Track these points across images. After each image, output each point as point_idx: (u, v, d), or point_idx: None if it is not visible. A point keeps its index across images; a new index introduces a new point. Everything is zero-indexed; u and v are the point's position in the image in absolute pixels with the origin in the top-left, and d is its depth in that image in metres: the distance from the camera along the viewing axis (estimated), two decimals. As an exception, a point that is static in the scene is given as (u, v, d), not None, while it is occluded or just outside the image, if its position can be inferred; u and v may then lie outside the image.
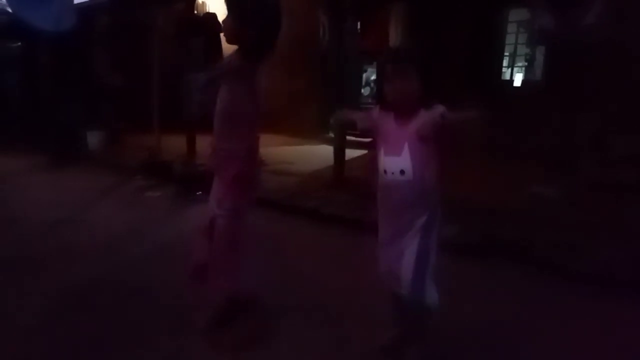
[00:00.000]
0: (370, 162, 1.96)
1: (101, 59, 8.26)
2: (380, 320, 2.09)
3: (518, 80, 7.21)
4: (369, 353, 2.05)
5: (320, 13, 7.40)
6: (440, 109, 1.70)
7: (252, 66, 1.95)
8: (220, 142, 2.02)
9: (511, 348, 2.14)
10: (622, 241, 3.20)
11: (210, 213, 2.08)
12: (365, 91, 8.94)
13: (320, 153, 6.41)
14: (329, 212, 4.09)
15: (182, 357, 2.06)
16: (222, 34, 2.05)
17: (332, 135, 5.94)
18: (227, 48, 2.05)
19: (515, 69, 7.22)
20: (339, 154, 4.93)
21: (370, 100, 8.44)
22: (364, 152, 6.35)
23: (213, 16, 5.66)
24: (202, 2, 7.95)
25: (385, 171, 1.82)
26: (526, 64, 7.46)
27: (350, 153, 5.40)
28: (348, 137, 5.17)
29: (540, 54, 6.81)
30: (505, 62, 7.03)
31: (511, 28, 6.86)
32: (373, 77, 8.79)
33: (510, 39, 6.91)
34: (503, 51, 6.89)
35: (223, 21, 1.95)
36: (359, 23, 7.37)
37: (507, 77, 7.10)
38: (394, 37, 6.73)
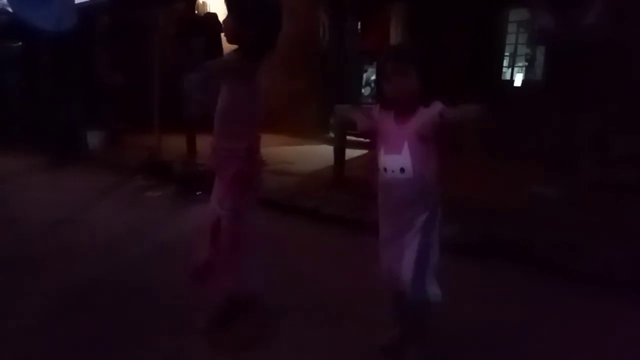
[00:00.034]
0: (370, 162, 1.96)
1: (101, 59, 8.26)
2: (380, 320, 2.09)
3: (518, 80, 7.21)
4: (369, 353, 2.05)
5: (321, 13, 7.40)
6: (438, 106, 1.70)
7: (252, 66, 1.95)
8: (221, 141, 2.01)
9: (511, 348, 2.14)
10: (622, 241, 3.20)
11: (212, 213, 2.08)
12: (366, 91, 8.94)
13: (320, 153, 6.41)
14: (329, 212, 4.09)
15: (182, 357, 2.06)
16: (222, 34, 2.05)
17: (332, 135, 5.95)
18: (228, 48, 2.04)
19: (515, 69, 7.22)
20: (339, 153, 4.93)
21: (370, 100, 8.45)
22: (364, 152, 6.35)
23: (214, 16, 5.65)
24: (203, 2, 7.95)
25: (385, 169, 1.82)
26: (526, 64, 7.46)
27: (351, 153, 5.41)
28: (348, 137, 5.17)
29: (540, 54, 6.81)
30: (505, 62, 7.03)
31: (511, 28, 6.86)
32: (373, 77, 8.80)
33: (510, 39, 6.91)
34: (503, 51, 6.89)
35: (223, 21, 1.95)
36: (359, 23, 7.37)
37: (508, 77, 7.10)
38: (394, 37, 6.73)
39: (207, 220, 2.12)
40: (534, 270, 2.96)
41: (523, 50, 7.17)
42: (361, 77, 8.70)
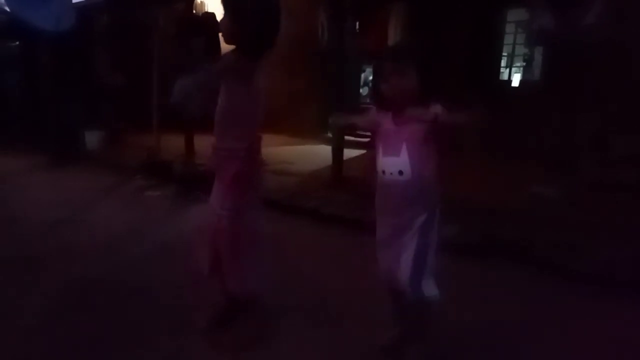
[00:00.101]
0: (369, 162, 1.96)
1: (101, 59, 8.26)
2: (380, 320, 2.09)
3: (516, 81, 7.22)
4: (369, 353, 2.05)
5: (320, 13, 7.40)
6: (435, 109, 1.68)
7: (251, 65, 1.94)
8: (221, 142, 2.01)
9: (511, 348, 2.14)
10: (622, 241, 3.20)
11: (212, 214, 2.07)
12: (364, 91, 8.94)
13: (320, 153, 6.41)
14: (329, 212, 4.09)
15: (182, 357, 2.06)
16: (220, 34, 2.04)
17: (330, 135, 5.94)
18: (226, 48, 2.04)
19: (513, 69, 7.23)
20: (337, 153, 4.93)
21: (369, 100, 8.45)
22: (363, 152, 6.36)
23: (212, 15, 5.66)
24: (201, 2, 7.95)
25: (383, 172, 1.81)
26: (524, 64, 7.47)
27: (350, 153, 5.41)
28: (347, 137, 5.17)
29: (538, 54, 6.81)
30: (503, 62, 7.04)
31: (509, 28, 6.86)
32: (371, 77, 8.80)
33: (508, 39, 6.92)
34: (502, 51, 6.90)
35: (220, 21, 1.94)
36: (358, 23, 7.38)
37: (505, 77, 7.11)
38: (393, 37, 6.73)
39: (206, 221, 2.12)
40: (534, 270, 2.96)
41: (521, 50, 7.18)
42: (360, 77, 8.70)
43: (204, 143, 2.93)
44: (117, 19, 8.21)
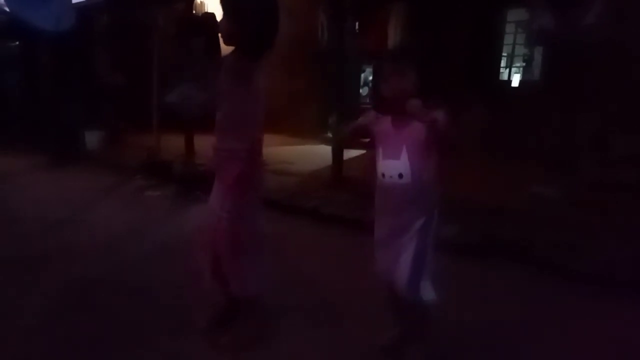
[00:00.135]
0: (369, 162, 1.96)
1: (101, 59, 8.26)
2: (380, 320, 2.09)
3: (516, 81, 7.22)
4: (369, 353, 2.05)
5: (320, 13, 7.40)
6: (437, 115, 1.64)
7: (251, 66, 1.94)
8: (221, 142, 2.01)
9: (511, 348, 2.14)
10: (622, 241, 3.20)
11: (212, 214, 2.07)
12: (364, 91, 8.94)
13: (320, 153, 6.40)
14: (329, 212, 4.09)
15: (182, 357, 2.06)
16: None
17: (330, 135, 5.95)
18: (226, 48, 2.04)
19: (513, 69, 7.23)
20: (337, 153, 4.93)
21: (368, 100, 8.45)
22: (363, 152, 6.35)
23: (212, 16, 5.65)
24: (201, 2, 7.94)
25: (383, 175, 1.81)
26: (524, 64, 7.47)
27: (350, 153, 5.40)
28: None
29: (538, 54, 6.81)
30: (502, 63, 7.04)
31: (509, 28, 6.86)
32: (371, 77, 8.80)
33: (508, 39, 6.92)
34: (501, 51, 6.90)
35: (219, 22, 1.94)
36: (357, 23, 7.37)
37: (505, 77, 7.11)
38: (393, 37, 6.73)
39: (206, 221, 2.12)
40: (534, 270, 2.96)
41: (521, 50, 7.18)
42: (359, 77, 8.70)
43: (204, 143, 2.93)
44: (117, 19, 8.21)
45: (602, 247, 3.14)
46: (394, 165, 1.77)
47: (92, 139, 7.35)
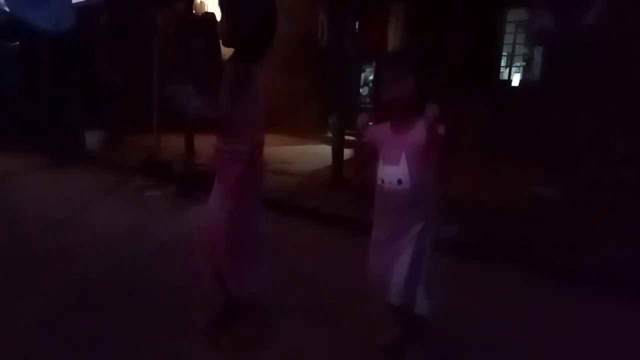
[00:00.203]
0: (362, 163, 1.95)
1: (101, 59, 8.26)
2: (380, 320, 2.09)
3: (516, 81, 7.22)
4: (369, 353, 2.05)
5: (320, 13, 7.40)
6: (432, 119, 1.63)
7: (251, 67, 1.94)
8: (222, 143, 2.01)
9: (511, 348, 2.14)
10: (622, 241, 3.20)
11: (211, 215, 2.07)
12: (364, 91, 8.95)
13: (320, 153, 6.41)
14: (329, 212, 4.09)
15: (182, 357, 2.06)
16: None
17: (330, 135, 5.94)
18: (225, 48, 2.04)
19: (513, 69, 7.23)
20: (337, 153, 4.93)
21: (368, 100, 8.46)
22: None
23: (212, 16, 5.66)
24: (201, 2, 7.95)
25: (382, 180, 1.81)
26: (524, 64, 7.47)
27: (350, 153, 5.39)
28: (347, 137, 5.17)
29: (538, 54, 6.82)
30: (503, 62, 7.04)
31: (509, 28, 6.86)
32: (371, 77, 8.81)
33: (508, 39, 6.92)
34: (502, 51, 6.90)
35: (218, 23, 1.94)
36: (358, 23, 7.38)
37: (505, 77, 7.11)
38: (394, 37, 6.73)
39: (206, 222, 2.12)
40: (534, 270, 2.96)
41: (521, 50, 7.18)
42: (359, 77, 8.70)
43: (204, 143, 2.93)
44: (117, 19, 8.21)
45: (602, 247, 3.14)
46: (393, 171, 1.77)
47: (92, 139, 7.35)
